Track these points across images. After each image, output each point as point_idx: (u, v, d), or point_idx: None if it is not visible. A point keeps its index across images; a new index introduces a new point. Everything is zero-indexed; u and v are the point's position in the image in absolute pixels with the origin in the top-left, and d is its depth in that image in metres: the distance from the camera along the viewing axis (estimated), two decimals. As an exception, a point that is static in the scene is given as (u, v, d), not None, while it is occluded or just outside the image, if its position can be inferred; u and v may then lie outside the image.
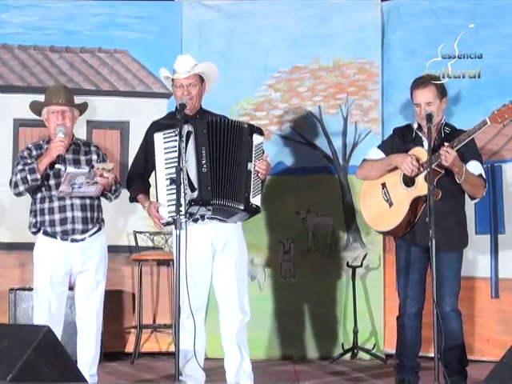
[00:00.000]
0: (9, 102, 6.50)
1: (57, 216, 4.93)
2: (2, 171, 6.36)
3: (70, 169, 4.85)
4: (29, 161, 4.96)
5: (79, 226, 4.95)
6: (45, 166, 4.88)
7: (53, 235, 4.93)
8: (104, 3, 6.63)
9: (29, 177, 4.87)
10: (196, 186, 4.62)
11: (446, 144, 4.68)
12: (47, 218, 4.94)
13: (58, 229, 4.92)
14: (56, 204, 4.94)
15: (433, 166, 4.60)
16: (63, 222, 4.93)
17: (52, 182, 4.95)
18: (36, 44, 6.63)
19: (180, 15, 6.60)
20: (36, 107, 5.10)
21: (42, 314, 4.91)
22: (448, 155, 4.63)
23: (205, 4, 6.63)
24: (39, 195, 4.97)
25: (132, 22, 6.60)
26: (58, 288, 4.95)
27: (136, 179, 4.96)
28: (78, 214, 4.95)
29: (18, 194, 4.97)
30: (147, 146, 4.87)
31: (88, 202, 5.00)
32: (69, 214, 4.94)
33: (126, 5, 6.64)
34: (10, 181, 4.96)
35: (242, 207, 4.71)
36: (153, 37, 6.59)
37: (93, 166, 4.90)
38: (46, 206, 4.95)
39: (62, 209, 4.94)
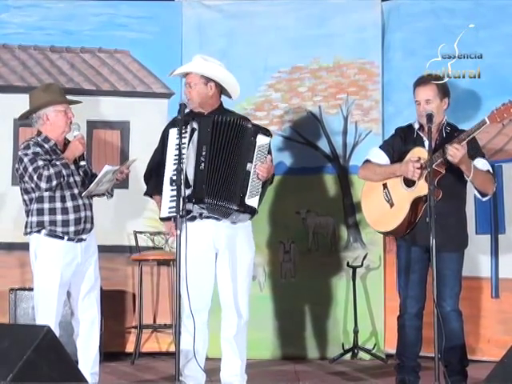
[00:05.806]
0: (9, 102, 6.48)
1: (71, 216, 4.84)
2: (1, 171, 6.37)
3: (108, 166, 4.78)
4: (45, 157, 4.79)
5: (88, 226, 4.92)
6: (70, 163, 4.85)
7: (60, 236, 4.84)
8: (104, 3, 6.63)
9: (64, 171, 4.76)
10: (191, 183, 4.63)
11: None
12: (59, 217, 4.82)
13: (72, 229, 4.83)
14: (70, 204, 4.85)
15: (433, 166, 4.60)
16: (77, 221, 4.85)
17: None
18: (36, 44, 6.62)
19: (180, 15, 6.60)
20: (41, 106, 4.88)
21: (48, 316, 4.79)
22: (456, 152, 4.59)
23: (205, 4, 6.63)
24: (48, 194, 4.82)
25: (132, 22, 6.60)
26: (64, 289, 4.90)
27: (154, 175, 4.93)
28: (89, 213, 4.93)
29: (49, 190, 4.78)
30: (164, 142, 4.85)
31: (92, 201, 5.00)
32: (82, 214, 4.87)
33: (126, 5, 6.64)
34: (40, 175, 4.71)
35: (236, 207, 4.69)
36: (153, 37, 6.59)
37: (125, 162, 4.80)
38: (59, 205, 4.83)
39: (77, 208, 4.86)
